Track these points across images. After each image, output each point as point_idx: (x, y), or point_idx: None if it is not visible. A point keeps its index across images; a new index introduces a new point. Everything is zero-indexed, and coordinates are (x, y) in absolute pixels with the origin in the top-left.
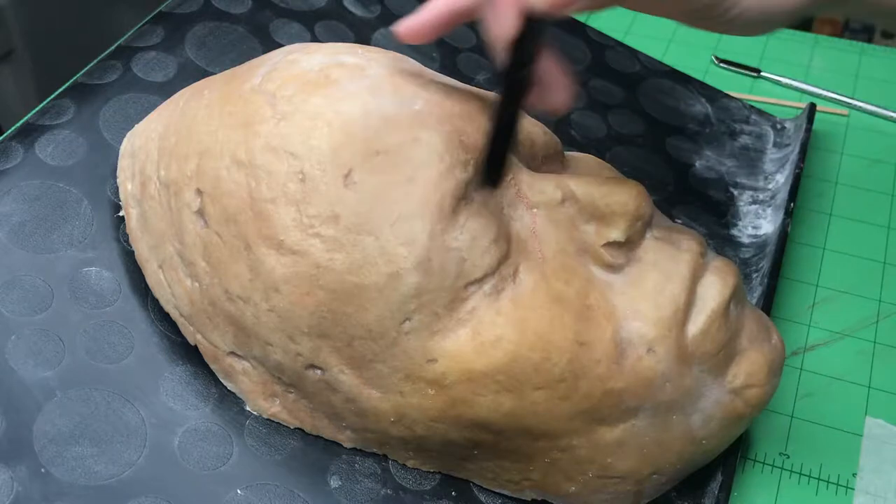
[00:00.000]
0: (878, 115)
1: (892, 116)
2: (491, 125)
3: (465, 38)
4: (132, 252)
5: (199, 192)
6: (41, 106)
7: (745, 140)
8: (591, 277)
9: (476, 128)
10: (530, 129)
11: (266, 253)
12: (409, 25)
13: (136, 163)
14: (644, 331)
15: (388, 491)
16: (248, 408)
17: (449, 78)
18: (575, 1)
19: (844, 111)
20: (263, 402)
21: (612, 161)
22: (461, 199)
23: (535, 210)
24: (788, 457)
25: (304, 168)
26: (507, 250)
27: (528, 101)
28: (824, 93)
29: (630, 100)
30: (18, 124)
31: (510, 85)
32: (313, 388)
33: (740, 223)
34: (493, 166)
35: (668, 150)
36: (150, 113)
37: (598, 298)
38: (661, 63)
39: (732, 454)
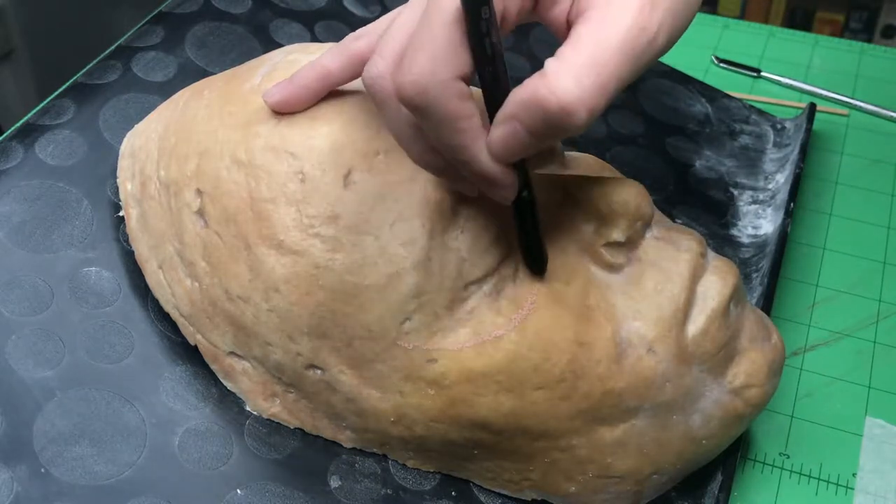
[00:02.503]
0: (878, 115)
1: (892, 116)
2: (519, 233)
3: None
4: (132, 252)
5: (199, 192)
6: (41, 106)
7: (745, 140)
8: (591, 277)
9: None
10: None
11: (266, 253)
12: (281, 97)
13: (136, 163)
14: (644, 331)
15: (388, 491)
16: (248, 408)
17: None
18: (521, 151)
19: (844, 111)
20: (263, 402)
21: (612, 161)
22: (461, 199)
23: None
24: (788, 457)
25: (304, 168)
26: (507, 250)
27: None
28: (824, 93)
29: (630, 100)
30: (18, 124)
31: (520, 207)
32: (313, 388)
33: (740, 223)
34: (535, 260)
35: (668, 150)
36: (150, 113)
37: (598, 298)
38: (661, 63)
39: (732, 454)
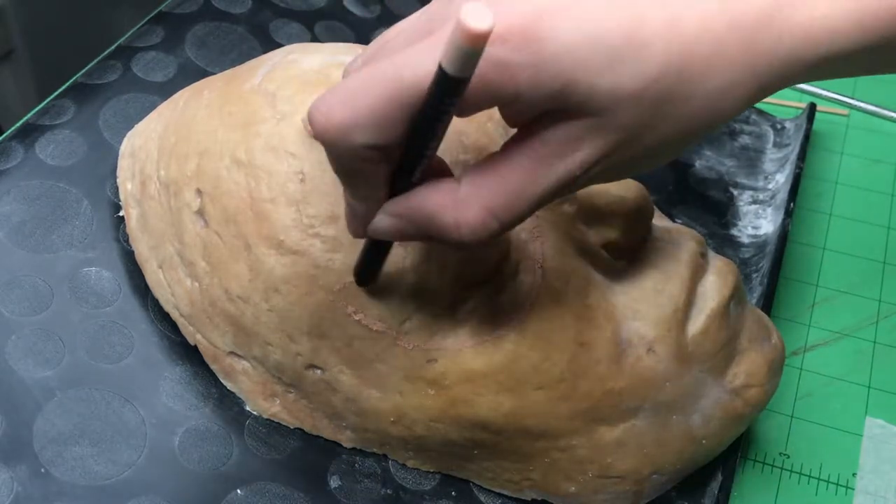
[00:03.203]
0: (878, 115)
1: (892, 116)
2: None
3: None
4: (132, 252)
5: (199, 192)
6: (41, 106)
7: (744, 140)
8: (590, 277)
9: (475, 127)
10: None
11: (266, 253)
12: None
13: (136, 163)
14: (644, 331)
15: (388, 491)
16: (248, 408)
17: None
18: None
19: (844, 111)
20: (263, 402)
21: None
22: None
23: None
24: (788, 457)
25: (304, 168)
26: (507, 250)
27: None
28: (824, 93)
29: None
30: (18, 124)
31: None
32: (313, 388)
33: (740, 223)
34: (366, 277)
35: None
36: (150, 113)
37: (598, 298)
38: None
39: (732, 454)
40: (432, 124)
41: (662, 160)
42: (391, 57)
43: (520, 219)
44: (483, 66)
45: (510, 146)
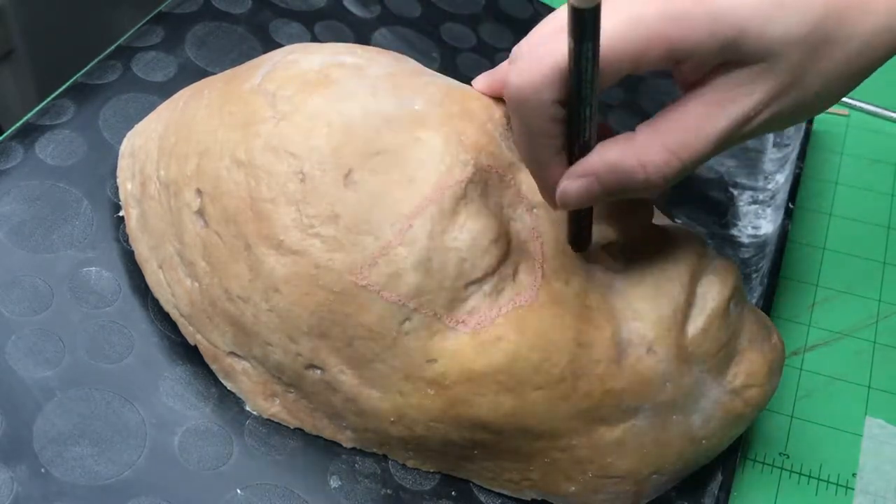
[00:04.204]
0: (878, 115)
1: (892, 116)
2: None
3: (465, 38)
4: (132, 252)
5: (199, 191)
6: (41, 106)
7: None
8: (590, 278)
9: (476, 128)
10: None
11: (266, 253)
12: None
13: (136, 163)
14: (644, 331)
15: (388, 491)
16: (248, 408)
17: (449, 78)
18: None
19: (844, 111)
20: (263, 402)
21: None
22: (461, 199)
23: (534, 210)
24: (788, 457)
25: (303, 168)
26: (507, 250)
27: None
28: None
29: (630, 100)
30: (18, 124)
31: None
32: (313, 388)
33: (740, 223)
34: (581, 239)
35: None
36: (150, 113)
37: (598, 299)
38: None
39: (732, 454)
40: (581, 69)
41: (825, 104)
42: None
43: (698, 159)
44: (663, 24)
45: (682, 100)
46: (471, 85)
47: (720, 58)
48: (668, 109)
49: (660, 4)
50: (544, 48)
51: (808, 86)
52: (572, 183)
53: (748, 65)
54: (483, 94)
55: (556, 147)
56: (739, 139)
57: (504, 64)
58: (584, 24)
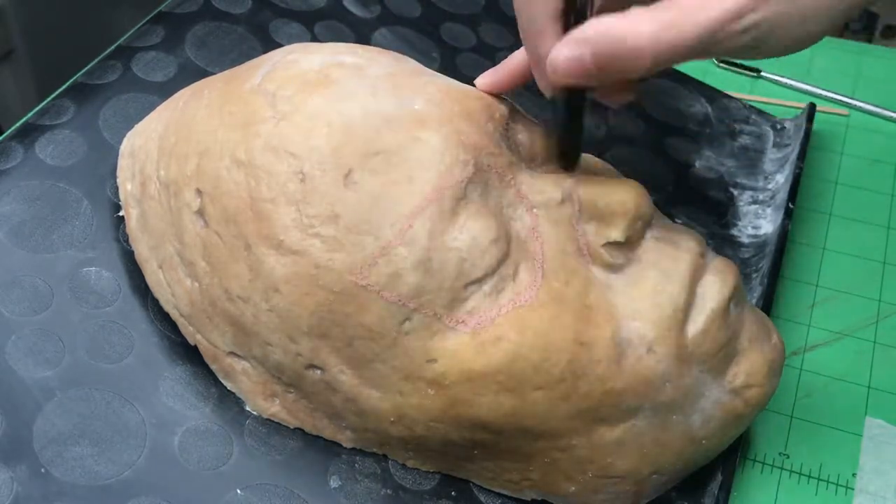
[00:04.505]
0: (878, 115)
1: (892, 116)
2: (559, 117)
3: (465, 38)
4: (132, 252)
5: (198, 192)
6: (41, 106)
7: (744, 140)
8: (590, 277)
9: (476, 128)
10: (530, 129)
11: (266, 253)
12: (491, 81)
13: (136, 162)
14: (644, 331)
15: (388, 491)
16: (248, 408)
17: (449, 78)
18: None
19: (844, 111)
20: (263, 402)
21: (612, 161)
22: (461, 199)
23: (534, 210)
24: (788, 457)
25: (303, 168)
26: (507, 250)
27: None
28: (824, 93)
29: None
30: (18, 124)
31: (573, 104)
32: (313, 388)
33: (740, 223)
34: (568, 156)
35: (668, 150)
36: (150, 113)
37: (598, 298)
38: None
39: (732, 454)
40: None
41: (814, 27)
42: None
43: (685, 44)
44: None
45: None
46: (472, 85)
47: None
48: None
49: None
50: None
51: None
52: (564, 48)
53: None
54: (487, 92)
55: (551, 12)
56: (727, 44)
57: (508, 59)
58: None
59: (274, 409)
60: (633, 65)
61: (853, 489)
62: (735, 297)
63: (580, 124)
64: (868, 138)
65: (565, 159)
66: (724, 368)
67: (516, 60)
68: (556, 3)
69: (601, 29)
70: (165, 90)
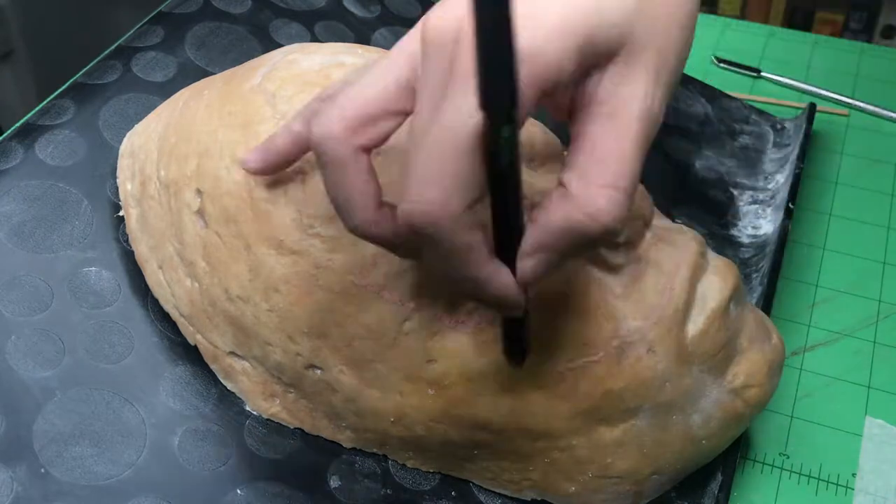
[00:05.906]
0: (878, 115)
1: (892, 116)
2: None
3: None
4: (132, 252)
5: (198, 192)
6: (41, 106)
7: (744, 140)
8: (590, 277)
9: None
10: (530, 129)
11: (266, 253)
12: (258, 165)
13: (136, 162)
14: (644, 331)
15: (388, 491)
16: (248, 408)
17: None
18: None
19: (844, 111)
20: (263, 402)
21: None
22: None
23: (534, 210)
24: (788, 457)
25: (304, 168)
26: None
27: None
28: (824, 93)
29: None
30: (18, 124)
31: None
32: (313, 388)
33: (740, 223)
34: (516, 352)
35: (668, 150)
36: (149, 113)
37: (598, 298)
38: None
39: (732, 454)
40: (498, 152)
41: (685, 47)
42: (423, 121)
43: (635, 177)
44: (526, 68)
45: (583, 131)
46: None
47: (582, 67)
48: (577, 151)
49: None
50: (428, 167)
51: (666, 37)
52: (527, 263)
53: (612, 58)
54: (253, 173)
55: (482, 256)
56: (655, 129)
57: (271, 140)
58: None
59: (274, 409)
60: (606, 238)
61: (853, 489)
62: (735, 297)
63: (525, 318)
64: (868, 138)
65: (513, 356)
66: (724, 368)
67: (282, 143)
68: (489, 244)
69: (556, 229)
70: (165, 90)
